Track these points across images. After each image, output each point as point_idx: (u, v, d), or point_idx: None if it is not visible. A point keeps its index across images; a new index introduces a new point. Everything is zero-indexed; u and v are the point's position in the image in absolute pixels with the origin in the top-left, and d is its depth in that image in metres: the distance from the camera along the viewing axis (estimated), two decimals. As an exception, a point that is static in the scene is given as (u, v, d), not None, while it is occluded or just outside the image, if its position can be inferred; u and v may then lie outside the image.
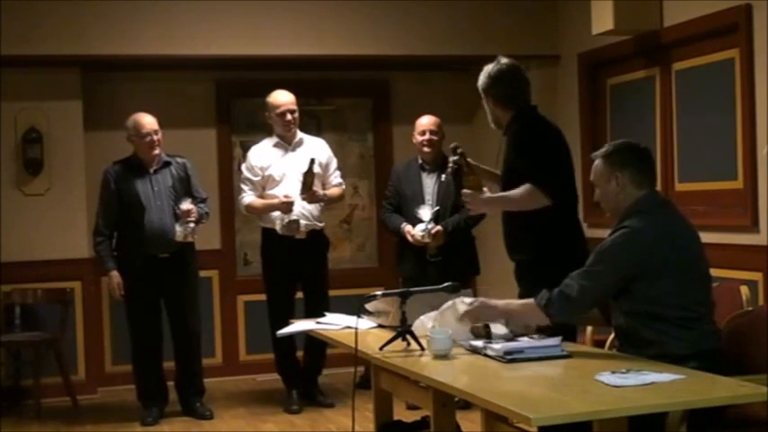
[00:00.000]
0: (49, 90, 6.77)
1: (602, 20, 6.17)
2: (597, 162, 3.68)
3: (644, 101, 6.45)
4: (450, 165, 4.50)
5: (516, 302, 3.76)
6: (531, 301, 3.63)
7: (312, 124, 7.58)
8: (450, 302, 3.84)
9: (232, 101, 7.49)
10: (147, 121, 6.03)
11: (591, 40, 6.60)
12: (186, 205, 5.99)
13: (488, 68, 4.40)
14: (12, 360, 6.63)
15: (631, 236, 3.50)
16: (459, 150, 4.43)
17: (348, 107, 7.72)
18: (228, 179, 7.39)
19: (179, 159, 6.20)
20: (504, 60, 4.42)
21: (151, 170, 6.06)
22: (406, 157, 6.55)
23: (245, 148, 7.43)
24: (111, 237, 6.07)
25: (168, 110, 6.78)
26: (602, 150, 3.69)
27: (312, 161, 6.04)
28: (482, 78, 4.41)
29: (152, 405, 6.11)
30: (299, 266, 6.25)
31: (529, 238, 4.26)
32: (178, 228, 5.99)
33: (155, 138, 6.02)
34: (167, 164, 6.12)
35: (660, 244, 3.48)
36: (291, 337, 5.83)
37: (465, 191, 4.38)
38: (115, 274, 6.00)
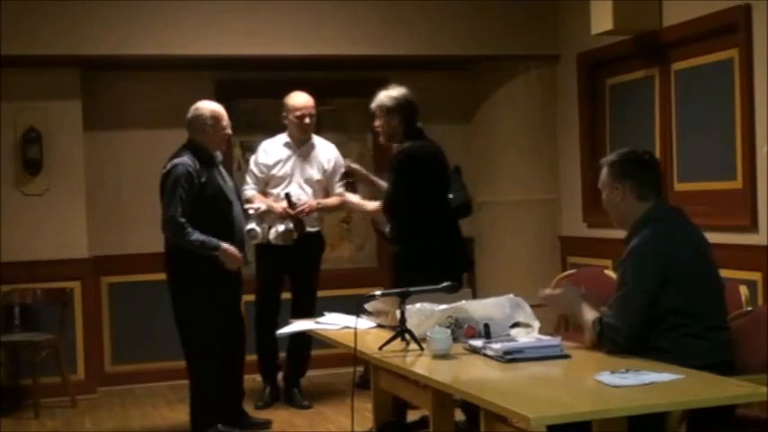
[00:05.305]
0: (49, 90, 6.77)
1: (602, 20, 6.17)
2: (602, 170, 3.70)
3: (643, 101, 6.45)
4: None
5: (587, 317, 3.60)
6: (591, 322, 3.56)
7: (311, 124, 7.58)
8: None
9: (232, 101, 7.46)
10: (224, 112, 5.55)
11: (590, 39, 6.60)
12: (264, 206, 5.92)
13: (402, 91, 5.25)
14: (11, 360, 6.62)
15: (646, 245, 3.47)
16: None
17: (348, 107, 7.71)
18: (228, 179, 7.37)
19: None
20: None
21: (218, 163, 5.54)
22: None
23: (245, 149, 7.44)
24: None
25: (167, 110, 6.77)
26: (608, 158, 3.71)
27: (288, 195, 6.03)
28: (398, 97, 5.23)
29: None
30: (287, 267, 6.25)
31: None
32: (258, 229, 5.78)
33: (230, 131, 5.63)
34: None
35: (677, 250, 3.46)
36: (275, 338, 5.85)
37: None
38: (228, 245, 5.35)
